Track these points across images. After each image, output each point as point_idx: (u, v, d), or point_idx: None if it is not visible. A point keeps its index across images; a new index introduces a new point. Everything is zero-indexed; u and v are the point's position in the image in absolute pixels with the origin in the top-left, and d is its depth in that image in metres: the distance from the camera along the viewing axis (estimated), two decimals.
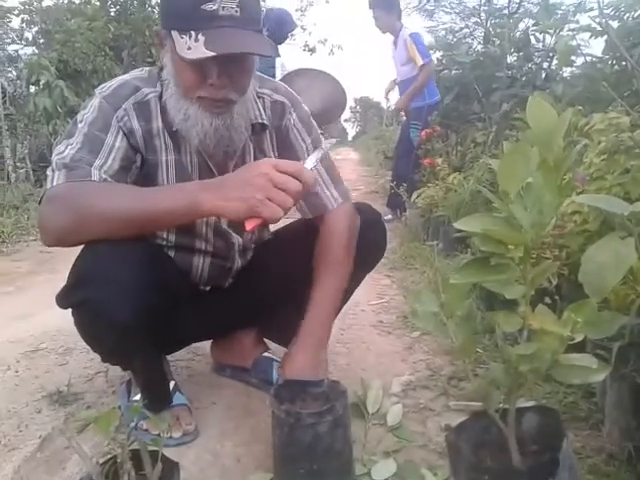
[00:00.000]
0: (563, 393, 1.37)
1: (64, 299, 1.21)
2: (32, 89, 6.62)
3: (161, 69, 1.29)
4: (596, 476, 1.08)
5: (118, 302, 1.10)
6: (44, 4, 9.24)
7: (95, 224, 1.10)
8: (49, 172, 1.17)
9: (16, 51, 8.81)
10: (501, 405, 0.92)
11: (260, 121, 1.35)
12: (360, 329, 2.09)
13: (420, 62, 4.36)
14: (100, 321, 1.14)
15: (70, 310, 1.22)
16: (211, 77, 1.16)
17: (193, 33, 1.09)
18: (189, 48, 1.09)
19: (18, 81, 6.33)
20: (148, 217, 1.11)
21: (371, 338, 2.00)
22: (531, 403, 1.20)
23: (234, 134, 1.25)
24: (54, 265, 3.31)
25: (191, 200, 1.09)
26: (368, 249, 1.45)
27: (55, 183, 1.14)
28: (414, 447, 1.27)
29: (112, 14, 9.09)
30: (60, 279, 1.21)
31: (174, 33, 1.13)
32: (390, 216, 4.51)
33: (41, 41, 9.52)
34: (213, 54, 1.08)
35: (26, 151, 6.37)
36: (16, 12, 9.11)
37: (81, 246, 1.17)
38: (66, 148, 1.18)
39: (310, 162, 1.15)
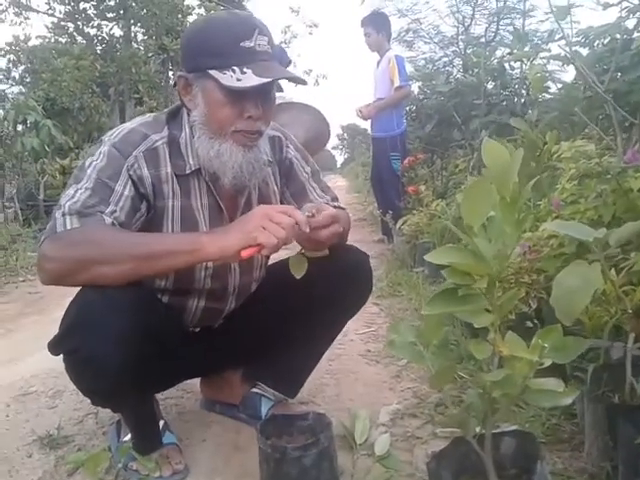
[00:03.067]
0: (545, 416, 1.40)
1: (56, 347, 1.25)
2: (19, 128, 6.67)
3: (171, 113, 1.36)
4: None
5: (108, 351, 1.13)
6: (30, 44, 9.38)
7: (99, 261, 1.14)
8: (58, 215, 1.18)
9: (3, 90, 8.90)
10: (479, 431, 0.95)
11: (268, 158, 1.41)
12: (348, 359, 2.11)
13: (397, 83, 4.49)
14: (91, 369, 1.18)
15: (62, 356, 1.25)
16: (248, 110, 1.25)
17: (236, 68, 1.20)
18: (239, 79, 1.18)
19: (5, 121, 6.37)
20: (150, 257, 1.16)
21: (359, 368, 2.02)
22: (510, 428, 1.22)
23: (261, 167, 1.34)
24: (43, 306, 3.31)
25: (194, 242, 1.18)
26: (356, 292, 1.49)
27: (69, 227, 1.17)
28: (402, 476, 1.29)
29: (98, 52, 9.22)
30: (49, 321, 1.24)
31: (213, 72, 1.21)
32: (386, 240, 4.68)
33: (27, 80, 9.63)
34: (269, 79, 1.19)
35: (14, 191, 6.39)
36: (2, 52, 9.22)
37: (75, 287, 1.20)
38: (76, 192, 1.21)
39: (305, 211, 1.24)
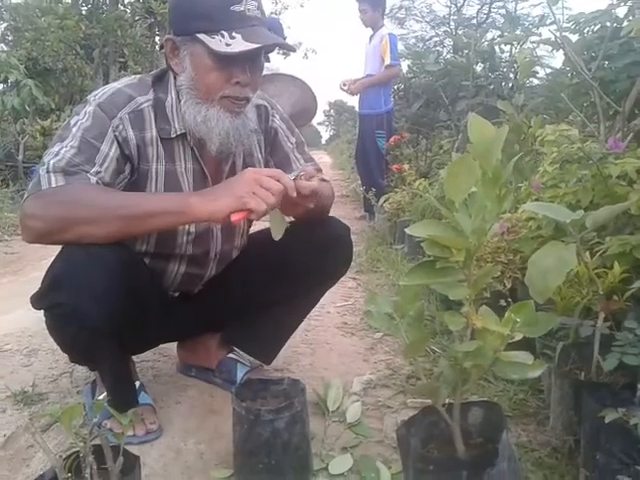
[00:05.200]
0: (514, 391, 1.44)
1: (38, 301, 1.26)
2: (0, 87, 6.52)
3: (157, 76, 1.34)
4: (539, 468, 1.15)
5: (90, 307, 1.14)
6: (14, 0, 9.11)
7: (89, 217, 1.14)
8: (42, 173, 1.17)
9: None
10: (448, 401, 0.98)
11: (253, 125, 1.39)
12: (324, 330, 2.14)
13: (388, 61, 4.47)
14: (72, 324, 1.20)
15: (42, 311, 1.26)
16: (236, 76, 1.24)
17: (225, 33, 1.18)
18: (228, 44, 1.17)
19: None
20: (138, 217, 1.16)
21: (335, 339, 2.05)
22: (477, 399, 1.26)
23: (247, 134, 1.34)
24: (19, 267, 3.28)
25: (181, 202, 1.17)
26: (335, 263, 1.51)
27: (54, 185, 1.15)
28: (371, 443, 1.32)
29: (83, 13, 9.00)
30: (24, 281, 1.25)
31: (201, 36, 1.19)
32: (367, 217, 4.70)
33: (9, 38, 9.37)
34: (259, 45, 1.19)
35: None
36: None
37: (58, 245, 1.20)
38: (61, 150, 1.19)
39: (292, 175, 1.25)
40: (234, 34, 1.18)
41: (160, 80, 1.35)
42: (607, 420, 0.91)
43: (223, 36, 1.18)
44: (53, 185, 1.16)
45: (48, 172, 1.17)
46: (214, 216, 1.17)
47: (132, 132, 1.27)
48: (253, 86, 1.30)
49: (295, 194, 1.19)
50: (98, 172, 1.20)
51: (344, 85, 4.78)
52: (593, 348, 1.11)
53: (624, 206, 1.22)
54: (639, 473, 0.88)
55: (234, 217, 1.16)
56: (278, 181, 1.16)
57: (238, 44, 1.17)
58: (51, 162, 1.18)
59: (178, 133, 1.32)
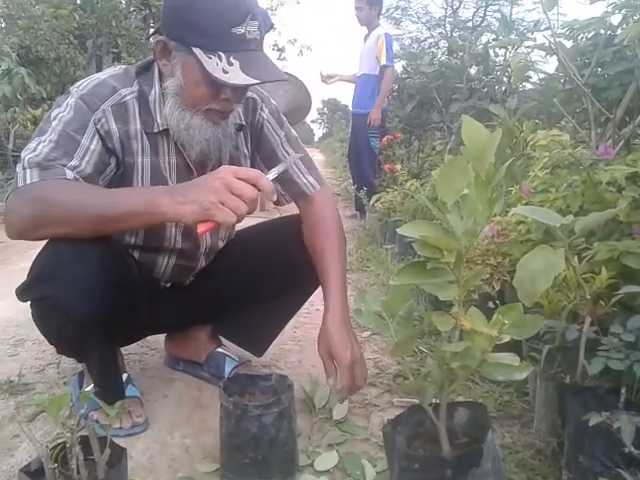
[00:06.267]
0: (499, 393, 1.46)
1: (24, 293, 1.25)
2: None
3: (143, 67, 1.32)
4: (523, 470, 1.16)
5: (77, 300, 1.14)
6: None
7: (58, 220, 1.12)
8: (19, 169, 1.16)
9: None
10: (435, 400, 0.98)
11: (239, 122, 1.39)
12: (313, 328, 2.14)
13: (383, 61, 4.47)
14: (58, 317, 1.19)
15: (29, 303, 1.26)
16: (226, 93, 1.22)
17: (223, 55, 1.14)
18: (225, 71, 1.13)
19: None
20: (108, 218, 1.13)
21: None
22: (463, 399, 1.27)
23: (228, 141, 1.32)
24: (7, 256, 3.25)
25: (150, 203, 1.11)
26: None
27: (29, 181, 1.14)
28: (357, 440, 1.33)
29: (78, 2, 8.92)
30: (12, 271, 1.24)
31: (197, 50, 1.15)
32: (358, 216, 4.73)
33: (2, 25, 9.28)
34: (257, 82, 1.16)
35: None
36: None
37: (41, 240, 1.19)
38: (38, 145, 1.17)
39: (272, 174, 1.19)
40: (232, 60, 1.14)
41: (145, 71, 1.32)
42: (591, 423, 0.92)
43: (220, 59, 1.14)
44: (28, 181, 1.14)
45: (24, 168, 1.15)
46: (182, 220, 1.12)
47: (115, 125, 1.25)
48: (239, 99, 1.29)
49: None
50: (77, 166, 1.17)
51: (322, 75, 4.82)
52: (579, 352, 1.12)
53: (613, 212, 1.24)
54: (621, 476, 0.90)
55: (200, 229, 1.09)
56: (255, 185, 1.09)
57: (235, 74, 1.13)
58: (27, 158, 1.16)
59: (161, 128, 1.30)
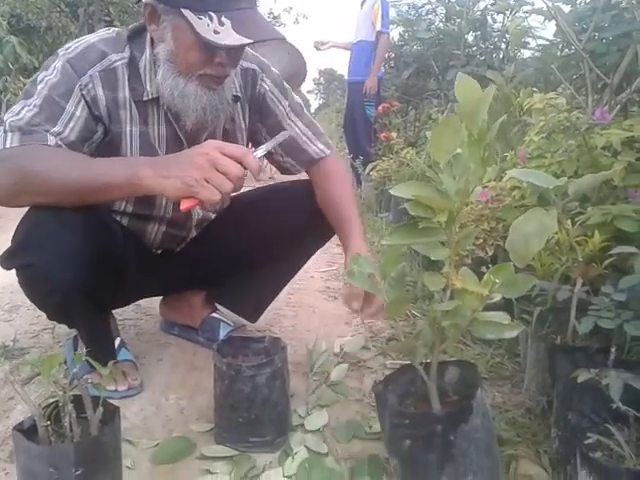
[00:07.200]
0: (491, 354, 1.47)
1: (8, 261, 1.24)
2: None
3: (135, 31, 1.28)
4: (513, 427, 1.18)
5: (61, 267, 1.13)
6: None
7: (38, 190, 1.10)
8: (1, 132, 1.13)
9: None
10: (426, 360, 0.99)
11: (234, 93, 1.35)
12: (308, 294, 2.16)
13: (379, 27, 4.41)
14: (43, 284, 1.19)
15: (14, 271, 1.25)
16: (220, 56, 1.17)
17: (214, 15, 1.09)
18: (216, 32, 1.08)
19: None
20: (88, 189, 1.11)
21: (317, 302, 2.07)
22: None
23: (225, 108, 1.28)
24: (1, 225, 3.25)
25: (131, 175, 1.08)
26: (324, 223, 1.50)
27: (8, 145, 1.11)
28: (350, 401, 1.34)
29: None
30: (5, 239, 1.23)
31: (186, 12, 1.10)
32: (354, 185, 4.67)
33: None
34: (250, 41, 1.10)
35: None
36: None
37: (21, 208, 1.18)
38: (22, 109, 1.15)
39: (261, 150, 1.17)
40: (223, 19, 1.09)
41: (138, 36, 1.28)
42: (579, 380, 0.93)
43: (211, 19, 1.09)
44: (7, 145, 1.11)
45: (5, 132, 1.13)
46: (164, 194, 1.10)
47: (102, 92, 1.22)
48: (235, 63, 1.25)
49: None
50: (60, 132, 1.15)
51: (317, 46, 4.76)
52: (570, 313, 1.13)
53: (606, 175, 1.24)
54: (608, 431, 0.91)
55: (183, 205, 1.07)
56: (241, 162, 1.06)
57: (227, 34, 1.09)
58: (9, 121, 1.13)
59: (150, 97, 1.27)
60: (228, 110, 1.32)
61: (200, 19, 1.10)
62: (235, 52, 1.21)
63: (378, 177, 3.56)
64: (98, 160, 1.17)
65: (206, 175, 1.04)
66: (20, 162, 1.10)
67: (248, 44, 1.14)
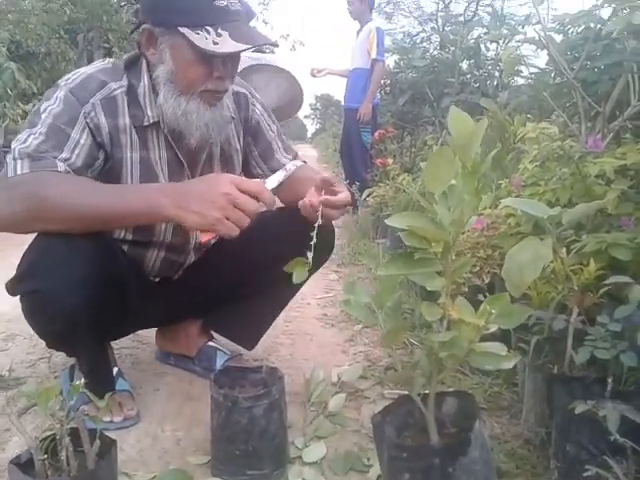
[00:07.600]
0: (488, 384, 1.46)
1: (14, 287, 1.26)
2: None
3: (130, 61, 1.32)
4: (512, 459, 1.17)
5: (66, 294, 1.14)
6: None
7: (52, 216, 1.12)
8: (9, 160, 1.16)
9: None
10: (424, 391, 0.99)
11: (229, 113, 1.39)
12: (305, 322, 2.15)
13: (374, 55, 4.47)
14: (48, 311, 1.19)
15: (18, 297, 1.26)
16: (218, 70, 1.22)
17: (211, 29, 1.15)
18: (215, 43, 1.14)
19: None
20: (105, 215, 1.14)
21: (315, 330, 2.07)
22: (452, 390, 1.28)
23: (226, 124, 1.34)
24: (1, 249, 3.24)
25: (151, 204, 1.13)
26: (317, 249, 1.50)
27: (19, 171, 1.14)
28: (348, 432, 1.33)
29: None
30: (5, 266, 1.24)
31: (184, 30, 1.16)
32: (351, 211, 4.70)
33: None
34: (248, 46, 1.16)
35: None
36: None
37: (31, 234, 1.19)
38: (29, 137, 1.17)
39: (272, 182, 1.22)
40: (220, 31, 1.16)
41: (133, 65, 1.32)
42: (577, 412, 0.93)
43: (209, 32, 1.16)
44: (18, 172, 1.14)
45: (14, 159, 1.15)
46: (183, 225, 1.15)
47: (104, 119, 1.25)
48: (232, 77, 1.30)
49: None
50: (67, 159, 1.18)
51: (314, 73, 4.82)
52: (566, 342, 1.13)
53: (600, 204, 1.25)
54: (607, 464, 0.91)
55: (203, 238, 1.16)
56: (257, 198, 1.13)
57: (226, 43, 1.15)
58: (17, 149, 1.16)
59: (151, 121, 1.31)
60: (228, 127, 1.37)
61: (198, 34, 1.16)
62: (232, 65, 1.27)
63: (375, 203, 3.58)
64: (111, 186, 1.21)
65: (226, 214, 1.11)
66: (32, 188, 1.12)
67: (248, 49, 1.18)
